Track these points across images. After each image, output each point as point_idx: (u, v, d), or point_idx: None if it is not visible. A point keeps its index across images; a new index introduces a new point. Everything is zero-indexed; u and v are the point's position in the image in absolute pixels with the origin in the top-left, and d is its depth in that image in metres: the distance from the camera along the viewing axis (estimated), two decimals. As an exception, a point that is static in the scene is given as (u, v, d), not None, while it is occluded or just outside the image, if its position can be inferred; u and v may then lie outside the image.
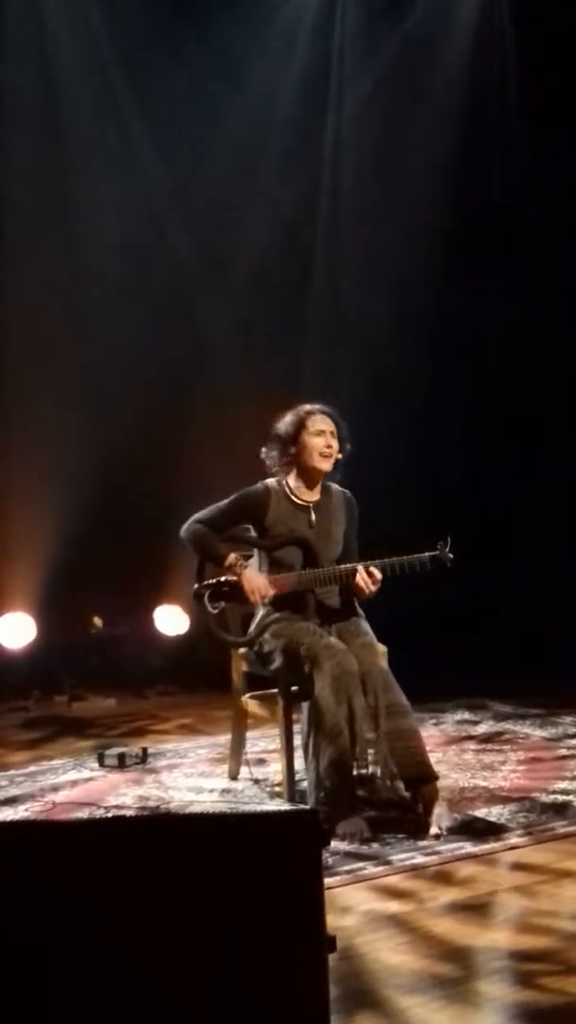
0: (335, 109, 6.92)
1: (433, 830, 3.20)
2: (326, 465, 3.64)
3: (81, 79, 6.32)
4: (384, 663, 3.46)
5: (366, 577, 3.49)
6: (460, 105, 6.83)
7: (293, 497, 3.68)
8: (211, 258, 6.58)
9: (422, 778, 3.33)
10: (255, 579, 3.57)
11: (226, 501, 3.68)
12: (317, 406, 3.71)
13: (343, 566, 3.59)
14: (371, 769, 3.36)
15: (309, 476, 3.68)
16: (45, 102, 6.23)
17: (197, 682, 6.02)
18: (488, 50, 6.95)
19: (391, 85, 6.78)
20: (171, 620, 6.51)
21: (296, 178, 6.72)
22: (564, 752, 4.28)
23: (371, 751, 3.33)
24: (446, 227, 6.75)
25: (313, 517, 3.67)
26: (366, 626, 3.59)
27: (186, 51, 6.38)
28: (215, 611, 3.60)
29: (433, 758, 4.07)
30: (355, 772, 3.31)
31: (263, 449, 3.73)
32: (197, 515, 3.65)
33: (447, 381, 6.74)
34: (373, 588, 3.50)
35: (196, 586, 3.64)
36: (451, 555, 3.46)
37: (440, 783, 3.49)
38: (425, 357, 6.63)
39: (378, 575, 3.50)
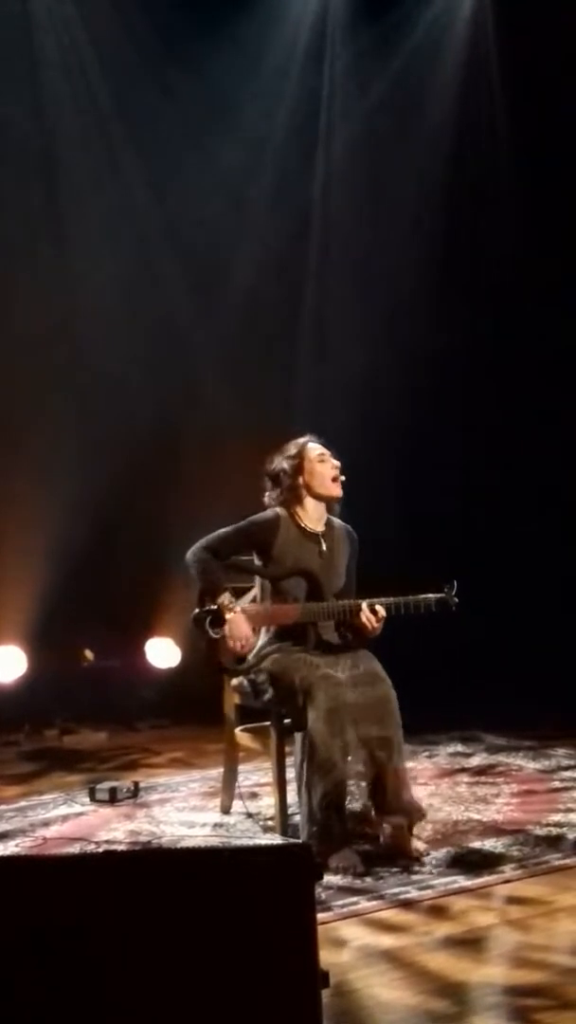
0: (325, 146, 7.01)
1: (418, 845, 3.21)
2: (338, 489, 3.64)
3: (74, 116, 6.37)
4: (394, 696, 3.42)
5: (370, 615, 3.46)
6: (449, 142, 6.94)
7: (302, 526, 3.66)
8: (202, 293, 6.63)
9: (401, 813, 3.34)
10: (241, 628, 3.49)
11: (235, 526, 3.63)
12: (306, 437, 3.73)
13: (346, 602, 3.57)
14: (362, 802, 3.35)
15: (318, 506, 3.67)
16: (38, 139, 6.29)
17: (189, 715, 5.98)
18: (476, 87, 7.07)
19: (380, 122, 6.88)
20: (162, 653, 6.48)
21: (286, 215, 6.78)
22: (557, 784, 4.26)
23: (363, 783, 3.32)
24: (436, 262, 6.83)
25: (323, 546, 3.66)
26: (374, 659, 3.57)
27: (177, 88, 6.45)
28: (216, 636, 3.57)
29: (426, 791, 4.08)
30: (347, 806, 3.30)
31: (266, 495, 3.72)
32: (204, 540, 3.59)
33: (439, 416, 6.78)
34: (376, 626, 3.47)
35: (197, 611, 3.58)
36: (456, 599, 3.46)
37: (434, 816, 3.49)
38: (416, 392, 6.67)
39: (382, 613, 3.46)
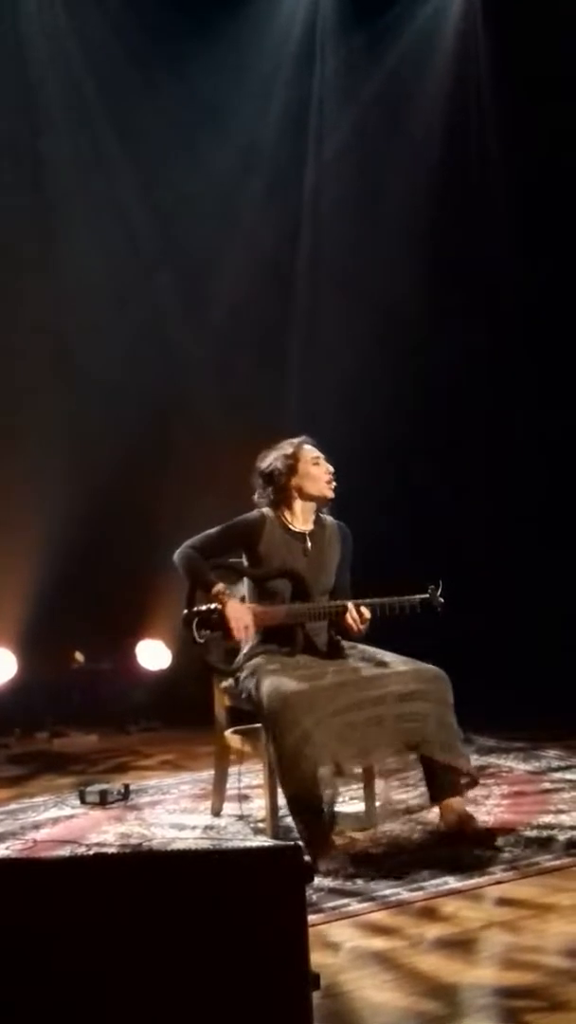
0: (314, 150, 7.01)
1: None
2: (331, 491, 3.66)
3: (64, 122, 6.35)
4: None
5: (355, 615, 3.48)
6: (438, 146, 6.94)
7: (288, 526, 3.67)
8: (193, 298, 6.62)
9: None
10: (240, 610, 3.52)
11: (220, 527, 3.65)
12: (302, 438, 3.73)
13: (333, 603, 3.58)
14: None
15: (307, 507, 3.68)
16: (27, 141, 6.27)
17: (180, 718, 5.98)
18: (466, 88, 7.08)
19: (369, 127, 6.89)
20: (153, 655, 6.47)
21: (277, 219, 6.78)
22: (548, 786, 4.27)
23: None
24: (428, 263, 6.83)
25: (309, 546, 3.67)
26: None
27: (167, 90, 6.45)
28: (201, 640, 3.58)
29: (417, 792, 4.07)
30: (325, 805, 3.22)
31: (256, 493, 3.72)
32: (190, 540, 3.62)
33: (429, 419, 6.79)
34: (362, 627, 3.49)
35: (185, 612, 3.59)
36: (442, 599, 3.46)
37: (424, 815, 3.48)
38: (407, 395, 6.67)
39: (367, 614, 3.49)
